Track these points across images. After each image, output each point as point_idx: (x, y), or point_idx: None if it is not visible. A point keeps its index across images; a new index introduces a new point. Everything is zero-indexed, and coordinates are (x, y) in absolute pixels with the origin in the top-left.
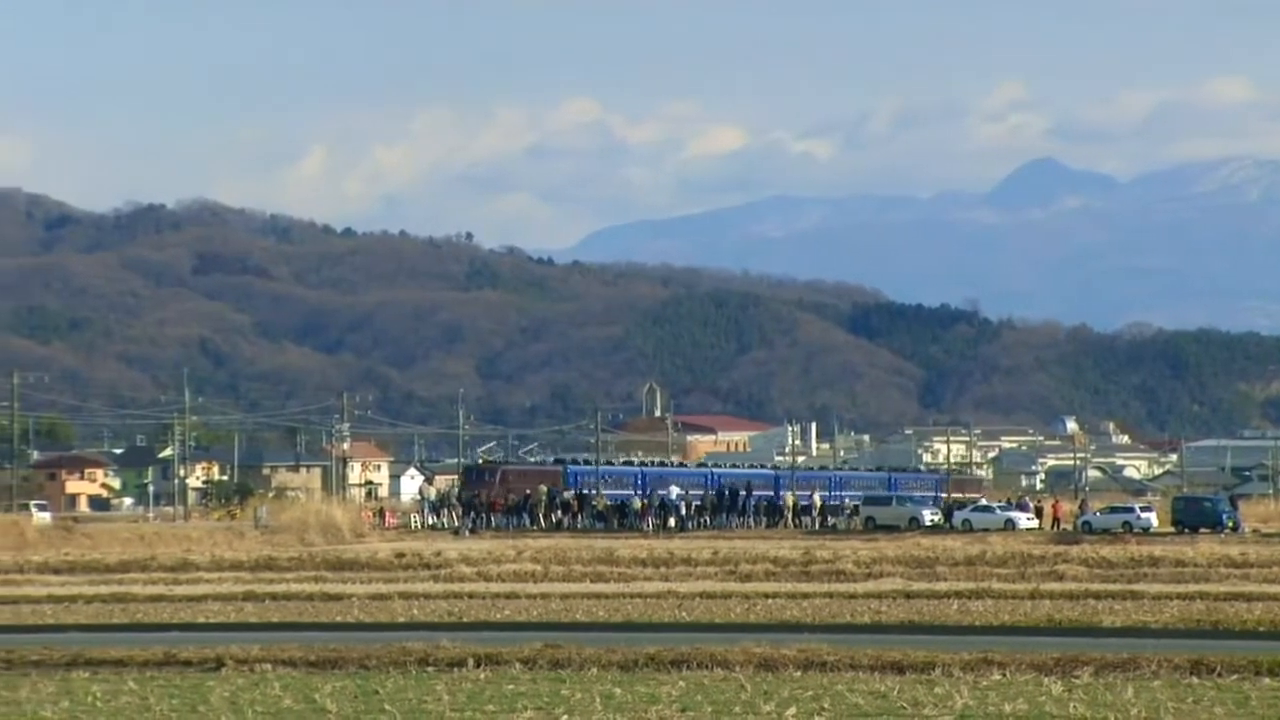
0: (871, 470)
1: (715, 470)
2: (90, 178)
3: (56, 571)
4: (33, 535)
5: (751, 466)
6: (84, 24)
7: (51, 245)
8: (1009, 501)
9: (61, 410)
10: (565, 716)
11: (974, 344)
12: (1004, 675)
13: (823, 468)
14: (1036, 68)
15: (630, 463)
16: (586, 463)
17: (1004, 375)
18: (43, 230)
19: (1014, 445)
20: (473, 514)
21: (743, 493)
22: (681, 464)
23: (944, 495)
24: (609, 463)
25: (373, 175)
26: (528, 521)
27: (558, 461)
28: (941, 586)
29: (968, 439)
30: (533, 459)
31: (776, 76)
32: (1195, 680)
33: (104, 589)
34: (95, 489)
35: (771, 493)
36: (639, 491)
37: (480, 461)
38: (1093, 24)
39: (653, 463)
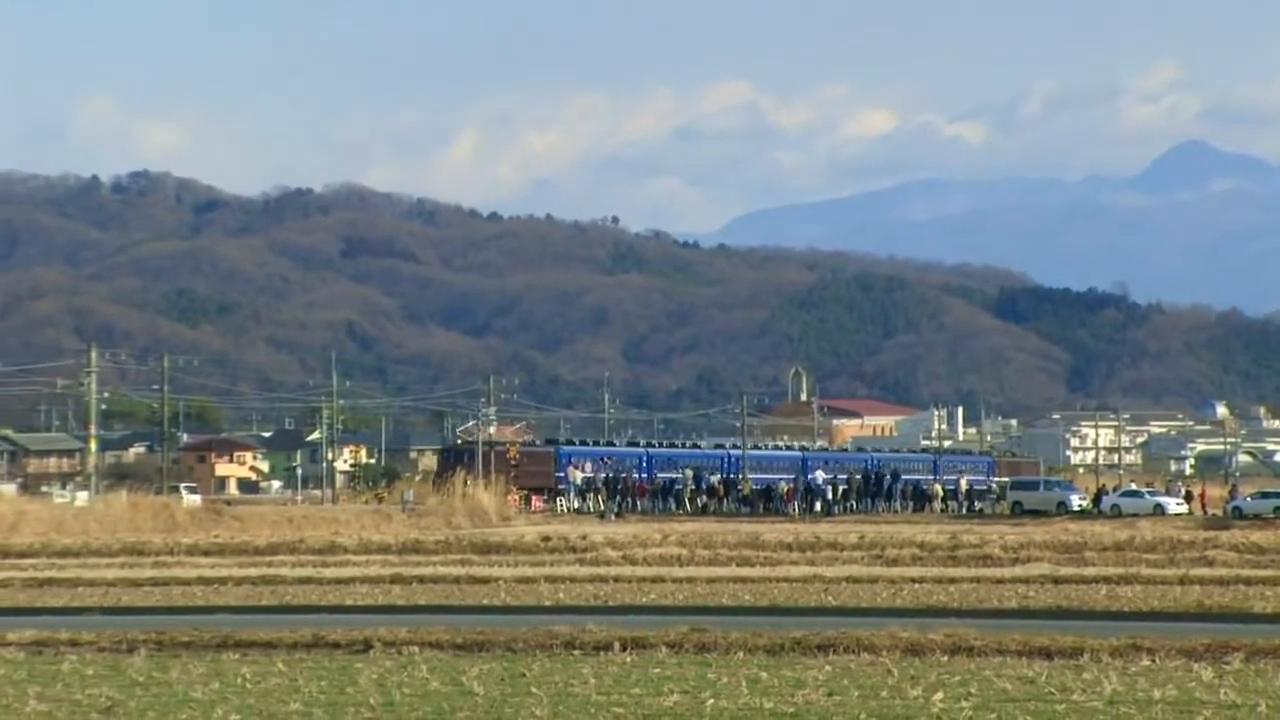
0: (916, 452)
1: (733, 452)
2: (239, 162)
3: (206, 554)
4: (183, 517)
5: (776, 449)
6: (235, 10)
7: (201, 229)
8: (1151, 486)
9: (211, 394)
10: (711, 700)
11: (1122, 328)
12: (1153, 661)
13: (860, 449)
14: (1194, 49)
15: (635, 444)
16: (583, 443)
17: (1153, 360)
18: (192, 214)
19: (1163, 430)
20: (618, 498)
21: (888, 478)
22: (695, 446)
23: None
24: (610, 443)
25: (523, 160)
26: (673, 505)
27: (549, 442)
28: (1090, 571)
29: (1116, 424)
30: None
31: (929, 59)
32: None
33: (253, 571)
34: (244, 472)
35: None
36: (642, 475)
37: (459, 441)
38: (1253, 3)
39: (659, 444)
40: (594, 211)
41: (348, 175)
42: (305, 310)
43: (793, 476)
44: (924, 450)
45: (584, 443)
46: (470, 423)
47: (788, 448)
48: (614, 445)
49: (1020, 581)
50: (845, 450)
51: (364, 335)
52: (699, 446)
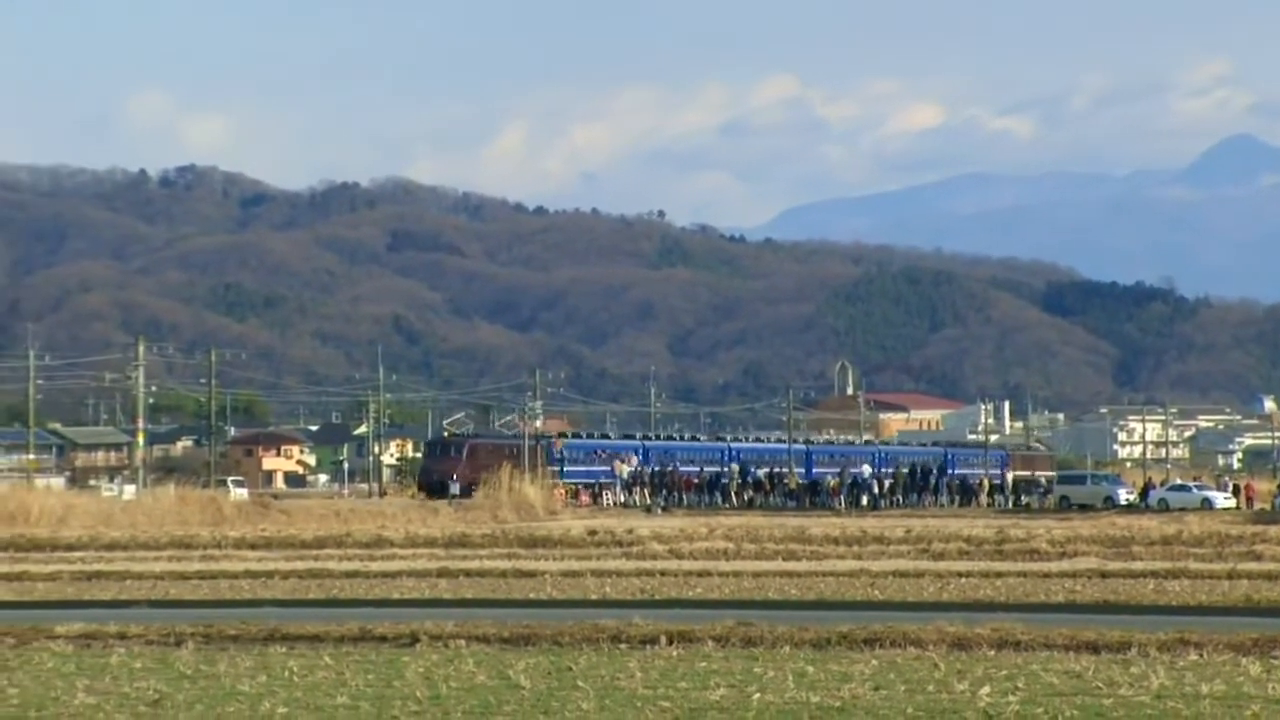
0: (925, 446)
1: (735, 445)
2: (286, 156)
3: (253, 547)
4: (230, 511)
5: (779, 442)
6: (281, 4)
7: (247, 223)
8: (1198, 480)
9: (258, 387)
10: (758, 694)
11: (1170, 322)
12: (1201, 655)
13: (867, 442)
14: (1242, 43)
15: (630, 437)
16: (577, 436)
17: (1200, 354)
18: (239, 208)
19: (1211, 424)
20: (664, 492)
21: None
22: (695, 438)
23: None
24: (605, 436)
25: (570, 154)
26: (720, 500)
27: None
28: (1137, 566)
29: (1164, 418)
30: (508, 431)
31: (976, 53)
32: None
33: (300, 565)
34: (291, 465)
35: (802, 468)
36: (639, 468)
37: (445, 434)
38: None
39: (656, 437)
40: (640, 205)
41: (394, 169)
42: (351, 304)
43: (800, 471)
44: (934, 444)
45: (577, 435)
46: (458, 415)
47: (790, 441)
48: (608, 438)
49: (1067, 576)
50: (851, 443)
51: (410, 329)
52: (697, 439)
